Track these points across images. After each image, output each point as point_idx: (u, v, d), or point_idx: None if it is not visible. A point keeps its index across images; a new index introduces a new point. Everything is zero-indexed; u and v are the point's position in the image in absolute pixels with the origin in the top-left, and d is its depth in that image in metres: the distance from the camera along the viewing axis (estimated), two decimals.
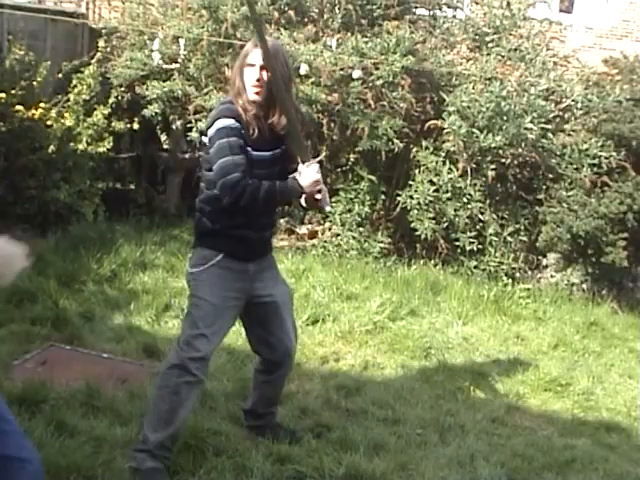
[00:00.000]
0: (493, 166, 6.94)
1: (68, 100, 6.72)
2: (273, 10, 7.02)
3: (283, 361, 3.48)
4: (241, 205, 3.04)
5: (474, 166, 6.94)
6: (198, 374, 3.18)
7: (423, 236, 6.89)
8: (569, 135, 7.15)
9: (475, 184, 6.94)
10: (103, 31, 7.52)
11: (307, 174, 3.15)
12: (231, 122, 3.07)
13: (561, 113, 7.32)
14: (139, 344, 4.63)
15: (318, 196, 3.23)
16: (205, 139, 3.18)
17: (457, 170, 6.88)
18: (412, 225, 6.93)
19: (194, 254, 3.29)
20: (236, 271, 3.21)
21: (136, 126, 7.15)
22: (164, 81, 7.06)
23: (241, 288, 3.24)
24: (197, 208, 3.28)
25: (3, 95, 6.13)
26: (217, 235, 3.20)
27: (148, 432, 3.18)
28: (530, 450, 4.00)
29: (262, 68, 3.11)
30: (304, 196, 3.24)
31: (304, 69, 6.60)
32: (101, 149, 6.75)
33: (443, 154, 6.96)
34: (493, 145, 6.70)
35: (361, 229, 7.08)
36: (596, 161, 6.96)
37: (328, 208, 3.36)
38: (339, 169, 7.33)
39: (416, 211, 6.90)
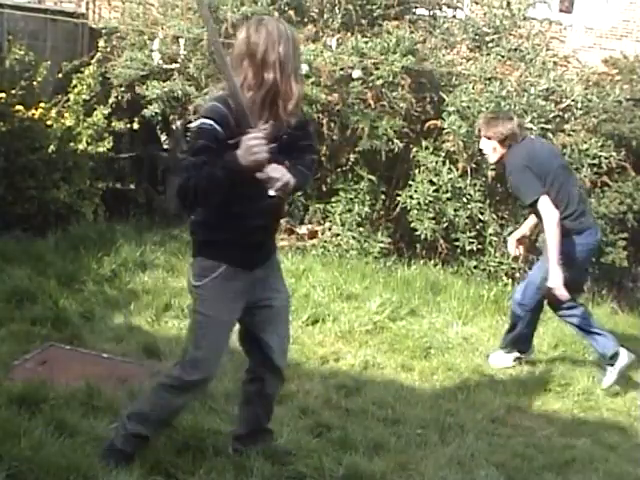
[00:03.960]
0: (493, 166, 6.93)
1: (68, 100, 6.72)
2: (273, 10, 7.02)
3: (269, 369, 3.25)
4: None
5: (474, 166, 6.94)
6: (198, 395, 3.17)
7: (423, 236, 6.89)
8: (569, 135, 7.14)
9: (475, 184, 6.94)
10: (103, 31, 7.51)
11: (243, 142, 2.72)
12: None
13: (561, 113, 7.30)
14: (139, 344, 4.63)
15: (259, 174, 2.76)
16: None
17: (457, 170, 6.88)
18: (412, 225, 6.93)
19: (194, 265, 3.05)
20: (241, 280, 3.00)
21: (136, 126, 7.14)
22: (164, 81, 7.06)
23: (247, 299, 3.06)
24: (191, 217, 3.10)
25: (3, 95, 6.13)
26: (216, 245, 2.96)
27: (132, 421, 3.11)
28: (530, 450, 4.00)
29: None
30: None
31: (304, 69, 6.60)
32: (101, 149, 6.76)
33: (443, 154, 6.96)
34: None
35: (361, 229, 7.08)
36: (596, 161, 6.96)
37: (271, 192, 2.82)
38: (339, 169, 7.32)
39: (416, 211, 6.90)
